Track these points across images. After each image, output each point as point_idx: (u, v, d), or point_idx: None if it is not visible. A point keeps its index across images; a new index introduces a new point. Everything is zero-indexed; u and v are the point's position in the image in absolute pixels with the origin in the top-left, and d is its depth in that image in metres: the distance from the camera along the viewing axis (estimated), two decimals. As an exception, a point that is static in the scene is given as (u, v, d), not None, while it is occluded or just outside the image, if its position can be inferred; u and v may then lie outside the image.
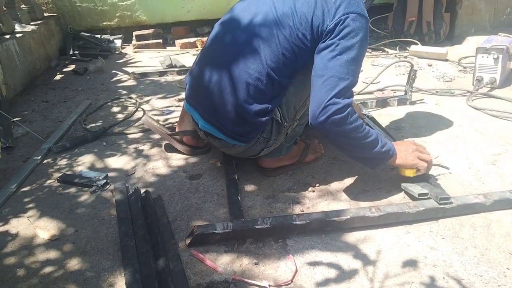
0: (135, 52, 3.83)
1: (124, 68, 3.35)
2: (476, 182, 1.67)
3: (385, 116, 2.28)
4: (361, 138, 1.46)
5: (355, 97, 2.46)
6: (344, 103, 1.40)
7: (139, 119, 2.34)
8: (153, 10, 4.03)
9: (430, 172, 1.67)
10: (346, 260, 1.30)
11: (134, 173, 1.82)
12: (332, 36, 1.44)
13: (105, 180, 1.75)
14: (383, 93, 2.60)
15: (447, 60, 3.19)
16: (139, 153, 1.98)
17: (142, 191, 1.65)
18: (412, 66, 2.35)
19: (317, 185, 1.71)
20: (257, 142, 1.61)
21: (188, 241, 1.37)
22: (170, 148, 1.99)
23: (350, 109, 1.41)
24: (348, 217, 1.40)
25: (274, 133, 1.61)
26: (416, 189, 1.53)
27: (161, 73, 3.11)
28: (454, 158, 1.85)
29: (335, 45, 1.43)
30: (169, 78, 3.07)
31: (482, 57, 2.62)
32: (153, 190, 1.68)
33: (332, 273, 1.26)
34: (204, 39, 3.85)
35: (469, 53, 3.23)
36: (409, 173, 1.60)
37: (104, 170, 1.85)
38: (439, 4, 3.53)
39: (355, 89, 1.67)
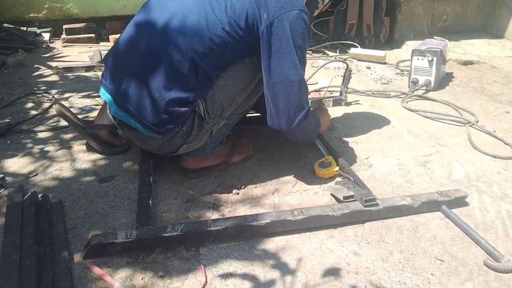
0: (64, 46, 3.55)
1: (48, 63, 3.07)
2: (405, 183, 1.61)
3: (320, 116, 2.20)
4: (315, 126, 1.60)
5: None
6: (307, 106, 1.47)
7: (54, 116, 2.11)
8: (86, 3, 3.77)
9: (359, 174, 1.60)
10: (263, 270, 1.18)
11: (36, 175, 1.60)
12: (271, 37, 1.37)
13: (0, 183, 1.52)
14: (319, 93, 2.52)
15: (385, 63, 3.19)
16: (45, 154, 1.75)
17: (41, 195, 1.44)
18: (347, 66, 2.29)
19: (242, 187, 1.58)
20: (176, 136, 1.45)
21: (83, 253, 1.19)
22: (90, 148, 1.79)
23: (308, 106, 1.48)
24: (268, 221, 1.28)
25: (195, 128, 1.46)
26: (342, 192, 1.44)
27: (88, 68, 2.87)
28: (385, 158, 1.79)
29: (278, 47, 1.37)
30: (97, 74, 2.84)
31: (418, 59, 2.62)
32: (54, 195, 1.48)
33: (246, 285, 1.13)
34: (141, 35, 3.65)
35: (407, 57, 3.25)
36: (326, 174, 1.60)
37: (3, 172, 1.62)
38: (379, 8, 3.55)
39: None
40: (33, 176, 1.59)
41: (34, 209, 1.34)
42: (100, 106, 1.84)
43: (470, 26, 3.95)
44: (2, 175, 1.56)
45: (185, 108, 1.38)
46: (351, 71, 2.30)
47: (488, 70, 2.98)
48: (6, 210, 1.35)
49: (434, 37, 2.95)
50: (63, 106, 1.78)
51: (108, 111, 1.53)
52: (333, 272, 1.18)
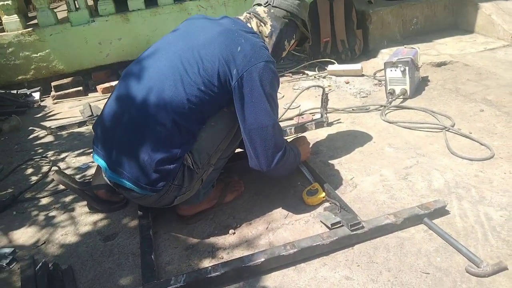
0: (55, 103, 3.67)
1: (42, 123, 3.19)
2: (389, 200, 1.71)
3: (304, 142, 2.31)
4: (294, 160, 1.71)
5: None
6: (283, 145, 1.59)
7: (54, 180, 2.21)
8: (70, 58, 3.91)
9: (345, 196, 1.71)
10: (263, 307, 1.27)
11: (44, 243, 1.70)
12: (243, 89, 1.50)
13: (11, 257, 1.62)
14: (302, 117, 2.64)
15: (363, 75, 3.32)
16: (49, 220, 1.86)
17: (51, 264, 1.53)
18: (323, 89, 2.41)
19: (238, 226, 1.68)
20: (169, 190, 1.56)
21: (97, 315, 1.28)
22: (91, 207, 1.89)
23: (286, 146, 1.62)
24: (263, 259, 1.37)
25: (186, 179, 1.57)
26: (329, 219, 1.54)
27: (80, 124, 2.99)
28: (369, 176, 1.89)
29: (250, 97, 1.50)
30: (90, 127, 2.96)
31: (391, 71, 2.75)
32: (64, 260, 1.58)
33: (249, 324, 1.22)
34: (127, 81, 3.78)
35: (383, 65, 3.37)
36: (314, 202, 1.72)
37: (13, 245, 1.72)
38: (350, 22, 3.69)
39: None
40: (41, 244, 1.69)
41: (47, 278, 1.43)
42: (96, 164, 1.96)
43: (441, 25, 4.07)
44: (13, 249, 1.66)
45: (174, 165, 1.49)
46: (327, 94, 2.42)
47: (461, 69, 3.10)
48: (20, 283, 1.45)
49: (404, 46, 3.07)
50: (60, 173, 1.89)
51: (104, 175, 1.64)
52: (328, 300, 1.27)
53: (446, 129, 2.20)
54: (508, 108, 2.37)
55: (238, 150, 1.97)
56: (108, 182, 1.67)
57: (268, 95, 1.53)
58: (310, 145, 2.08)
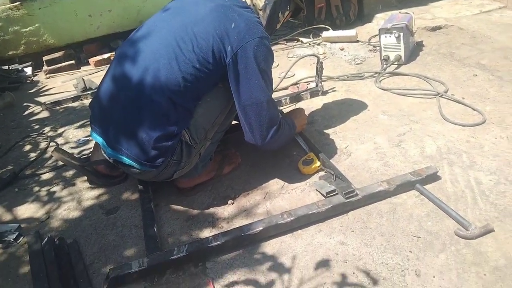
0: (48, 78, 3.65)
1: (36, 99, 3.18)
2: (382, 167, 1.75)
3: (299, 111, 2.33)
4: (289, 133, 1.74)
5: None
6: (278, 119, 1.61)
7: (53, 156, 2.24)
8: (60, 31, 3.84)
9: (339, 165, 1.75)
10: (263, 273, 1.33)
11: (48, 218, 1.75)
12: (238, 65, 1.51)
13: (17, 232, 1.67)
14: (297, 86, 2.65)
15: (358, 41, 3.30)
16: (52, 195, 1.90)
17: (57, 238, 1.59)
18: (318, 58, 2.41)
19: (236, 196, 1.72)
20: (168, 166, 1.60)
21: (105, 286, 1.34)
22: (92, 182, 1.93)
23: (280, 119, 1.63)
24: (261, 228, 1.43)
25: (184, 155, 1.61)
26: (324, 187, 1.58)
27: (75, 98, 2.99)
28: (363, 144, 1.93)
29: (244, 74, 1.51)
30: (84, 102, 2.96)
31: (385, 37, 2.73)
32: (69, 234, 1.63)
33: (249, 289, 1.28)
34: (119, 53, 3.73)
35: (378, 32, 3.35)
36: (309, 171, 1.76)
37: (17, 221, 1.77)
38: (344, -13, 3.62)
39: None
40: (46, 219, 1.74)
41: (54, 252, 1.49)
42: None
43: (436, -13, 4.01)
44: (18, 224, 1.71)
45: (172, 141, 1.52)
46: (322, 63, 2.42)
47: (456, 33, 3.09)
48: (29, 258, 1.51)
49: (399, 11, 3.04)
50: (59, 149, 1.91)
51: (103, 152, 1.67)
52: (324, 264, 1.33)
53: (440, 95, 2.22)
54: (501, 73, 2.38)
55: (234, 122, 1.99)
56: (107, 159, 1.70)
57: (262, 71, 1.54)
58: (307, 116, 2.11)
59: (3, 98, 3.14)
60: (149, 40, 1.59)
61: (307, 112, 2.28)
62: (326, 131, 2.09)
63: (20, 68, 3.78)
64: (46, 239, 1.56)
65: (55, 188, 1.95)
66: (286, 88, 2.65)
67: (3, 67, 3.75)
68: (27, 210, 1.82)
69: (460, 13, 3.43)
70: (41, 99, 3.11)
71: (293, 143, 1.96)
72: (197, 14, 1.57)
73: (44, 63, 3.75)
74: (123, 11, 3.89)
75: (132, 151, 1.53)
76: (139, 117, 1.52)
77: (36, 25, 3.79)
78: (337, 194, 1.55)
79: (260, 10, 1.71)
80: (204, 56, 1.51)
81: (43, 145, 2.40)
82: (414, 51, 2.88)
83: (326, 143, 1.98)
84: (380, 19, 3.60)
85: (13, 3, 3.73)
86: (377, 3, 3.84)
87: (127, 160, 1.56)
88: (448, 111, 2.07)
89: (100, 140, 1.64)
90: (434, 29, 3.22)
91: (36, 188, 1.98)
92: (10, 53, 3.85)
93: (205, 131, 1.63)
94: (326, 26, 3.57)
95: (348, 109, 2.27)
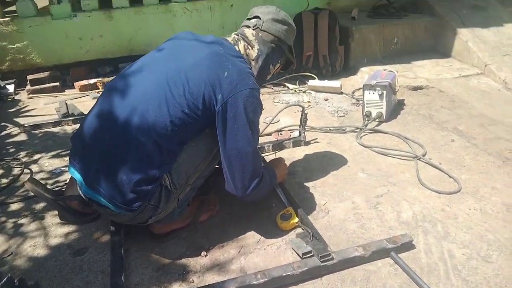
0: (30, 98, 3.58)
1: (15, 119, 3.11)
2: (359, 229, 1.76)
3: (281, 161, 2.34)
4: (270, 184, 1.75)
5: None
6: (261, 171, 1.63)
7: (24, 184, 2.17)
8: (49, 51, 3.81)
9: (317, 222, 1.75)
10: (231, 337, 1.29)
11: (11, 254, 1.67)
12: (227, 113, 1.52)
13: (-25, 268, 1.59)
14: (281, 133, 2.67)
15: (342, 93, 3.37)
16: (18, 228, 1.82)
17: (17, 279, 1.51)
18: (303, 109, 2.45)
19: (210, 248, 1.69)
20: (145, 210, 1.56)
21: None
22: (63, 217, 1.87)
23: (262, 171, 1.65)
24: (234, 288, 1.40)
25: (163, 200, 1.58)
26: (301, 247, 1.57)
27: (56, 123, 2.93)
28: (341, 203, 1.94)
29: (232, 123, 1.53)
30: (65, 128, 2.90)
31: (369, 93, 2.81)
32: (31, 274, 1.55)
33: None
34: (106, 79, 3.71)
35: (362, 84, 3.43)
36: (287, 227, 1.75)
37: (-22, 254, 1.68)
38: (333, 38, 3.74)
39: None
40: (7, 256, 1.66)
41: (13, 295, 1.41)
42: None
43: (421, 46, 4.16)
44: (-22, 259, 1.63)
45: (152, 185, 1.50)
46: (306, 114, 2.46)
47: (436, 94, 3.20)
48: (-15, 299, 1.42)
49: (384, 68, 3.15)
50: (33, 180, 1.85)
51: (79, 189, 1.63)
52: (294, 332, 1.30)
53: (418, 158, 2.27)
54: (477, 141, 2.47)
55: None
56: (83, 196, 1.66)
57: (250, 122, 1.55)
58: (287, 166, 2.12)
59: (-21, 115, 3.05)
60: (141, 80, 1.59)
61: (289, 162, 2.30)
62: (306, 184, 2.10)
63: (2, 85, 3.71)
64: (5, 279, 1.48)
65: (22, 221, 1.88)
66: (269, 134, 2.67)
67: (-16, 82, 3.67)
68: (-10, 244, 1.74)
69: (441, 75, 3.57)
70: (21, 120, 3.04)
71: (273, 194, 1.96)
72: (192, 58, 1.59)
73: (28, 82, 3.69)
74: (115, 38, 3.90)
75: (110, 192, 1.50)
76: (121, 157, 1.49)
77: (24, 42, 3.75)
78: (313, 256, 1.54)
79: (253, 60, 1.74)
80: (194, 101, 1.51)
81: (16, 171, 2.33)
82: (395, 109, 2.96)
83: (306, 197, 1.99)
84: (365, 73, 3.71)
85: (4, 18, 3.70)
86: (363, 56, 3.96)
87: (103, 201, 1.53)
88: (425, 176, 2.11)
89: (78, 176, 1.60)
90: (416, 88, 3.33)
91: (3, 219, 1.90)
92: (-7, 68, 3.78)
93: (186, 176, 1.62)
94: (313, 75, 3.65)
95: (328, 162, 2.30)
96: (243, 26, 1.81)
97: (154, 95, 1.52)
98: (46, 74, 3.77)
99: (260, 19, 1.76)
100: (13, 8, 3.89)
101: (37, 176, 2.23)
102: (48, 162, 2.42)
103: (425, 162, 2.24)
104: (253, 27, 1.76)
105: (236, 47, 1.72)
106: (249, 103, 1.54)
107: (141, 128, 1.49)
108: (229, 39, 1.76)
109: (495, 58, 3.57)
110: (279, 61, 1.84)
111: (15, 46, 3.74)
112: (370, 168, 2.22)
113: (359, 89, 3.38)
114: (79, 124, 2.86)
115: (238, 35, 1.77)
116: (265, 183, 1.68)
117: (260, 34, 1.75)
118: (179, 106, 1.50)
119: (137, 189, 1.49)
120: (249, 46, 1.74)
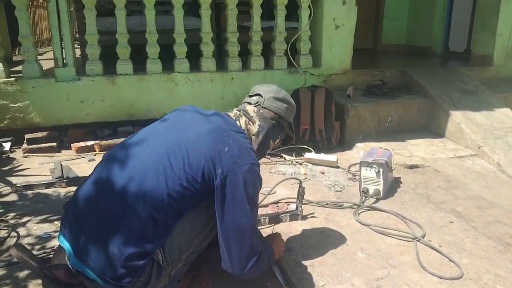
0: (25, 156, 3.55)
1: (7, 178, 3.05)
2: (359, 315, 1.67)
3: (278, 235, 2.29)
4: (267, 262, 1.70)
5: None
6: (259, 249, 1.60)
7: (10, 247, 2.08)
8: (49, 112, 3.85)
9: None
10: None
11: (-13, 328, 1.55)
12: (226, 188, 1.51)
13: None
14: (277, 206, 2.64)
15: (338, 167, 3.40)
16: (-2, 299, 1.71)
17: None
18: (300, 183, 2.45)
19: (200, 330, 1.59)
20: (134, 287, 1.48)
21: None
22: (47, 287, 1.76)
23: (260, 249, 1.62)
24: None
25: (153, 277, 1.51)
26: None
27: (48, 185, 2.88)
28: (340, 284, 1.86)
29: (231, 198, 1.52)
30: (58, 190, 2.85)
31: (366, 170, 2.83)
32: None
33: None
34: (103, 142, 3.72)
35: (358, 159, 3.47)
36: None
37: (-50, 325, 1.56)
38: (329, 113, 3.85)
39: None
40: (-17, 330, 1.54)
41: None
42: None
43: (414, 126, 4.28)
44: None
45: (144, 261, 1.44)
46: (304, 188, 2.45)
47: (432, 174, 3.23)
48: None
49: (380, 146, 3.20)
50: (19, 246, 1.76)
51: (67, 259, 1.55)
52: None
53: (417, 239, 2.23)
54: (476, 223, 2.45)
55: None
56: (70, 267, 1.58)
57: (249, 197, 1.54)
58: (284, 241, 2.06)
59: (-29, 172, 3.00)
60: (141, 150, 1.59)
61: (286, 237, 2.25)
62: (304, 262, 2.03)
63: (-2, 143, 3.70)
64: None
65: (3, 290, 1.77)
66: (266, 206, 2.64)
67: (-19, 139, 3.66)
68: (-35, 314, 1.62)
69: (435, 155, 3.63)
70: (13, 179, 2.99)
71: (269, 272, 1.88)
72: (194, 132, 1.61)
73: (25, 141, 3.68)
74: (116, 102, 3.97)
75: (99, 265, 1.43)
76: (114, 229, 1.45)
77: (26, 102, 3.79)
78: None
79: (253, 135, 1.77)
80: (193, 175, 1.51)
81: (3, 233, 2.24)
82: (392, 187, 2.97)
83: (303, 277, 1.91)
84: (360, 148, 3.77)
85: (8, 78, 3.78)
86: (359, 132, 4.05)
87: (91, 274, 1.45)
88: (426, 258, 2.06)
89: (67, 246, 1.53)
90: (411, 167, 3.37)
91: (-18, 287, 1.79)
92: (-9, 125, 3.79)
93: (180, 252, 1.56)
94: (309, 148, 3.70)
95: (327, 240, 2.24)
96: (244, 102, 1.87)
97: (153, 166, 1.52)
98: (43, 133, 3.78)
99: (262, 96, 1.82)
100: (19, 68, 3.98)
101: (24, 240, 2.15)
102: (36, 226, 2.34)
103: (424, 244, 2.20)
104: (255, 104, 1.82)
105: (237, 122, 1.76)
106: (248, 178, 1.54)
107: (137, 199, 1.47)
108: (231, 114, 1.80)
109: (488, 140, 3.67)
110: (279, 136, 1.88)
111: (16, 105, 3.78)
112: (369, 248, 2.17)
113: (355, 164, 3.41)
114: (72, 187, 2.84)
115: (240, 111, 1.82)
116: (263, 261, 1.63)
117: (261, 111, 1.80)
118: (177, 179, 1.49)
119: (128, 264, 1.43)
120: (250, 122, 1.78)
